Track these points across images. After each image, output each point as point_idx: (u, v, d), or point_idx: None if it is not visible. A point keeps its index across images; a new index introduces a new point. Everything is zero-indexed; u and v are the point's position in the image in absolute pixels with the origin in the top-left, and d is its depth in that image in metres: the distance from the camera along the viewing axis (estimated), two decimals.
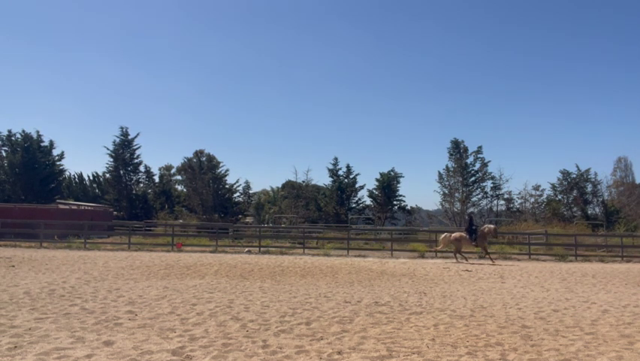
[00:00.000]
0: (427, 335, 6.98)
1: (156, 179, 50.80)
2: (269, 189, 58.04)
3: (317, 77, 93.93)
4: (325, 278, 13.67)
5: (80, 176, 52.64)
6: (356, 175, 45.99)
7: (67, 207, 36.22)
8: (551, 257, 23.53)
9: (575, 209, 43.28)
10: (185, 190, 51.20)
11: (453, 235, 20.95)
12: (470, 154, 44.90)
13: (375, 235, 32.58)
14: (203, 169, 45.58)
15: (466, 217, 23.17)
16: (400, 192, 45.78)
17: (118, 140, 45.57)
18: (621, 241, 26.04)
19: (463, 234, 20.54)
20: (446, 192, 45.27)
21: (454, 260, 20.26)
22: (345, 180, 45.75)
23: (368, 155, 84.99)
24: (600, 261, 22.54)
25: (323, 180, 60.47)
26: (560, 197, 44.35)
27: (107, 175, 46.97)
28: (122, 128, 45.67)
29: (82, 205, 38.78)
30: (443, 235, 21.57)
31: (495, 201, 46.31)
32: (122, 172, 45.50)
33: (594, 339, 6.91)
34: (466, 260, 20.14)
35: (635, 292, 11.86)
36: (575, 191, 43.37)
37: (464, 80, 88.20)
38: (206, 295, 10.02)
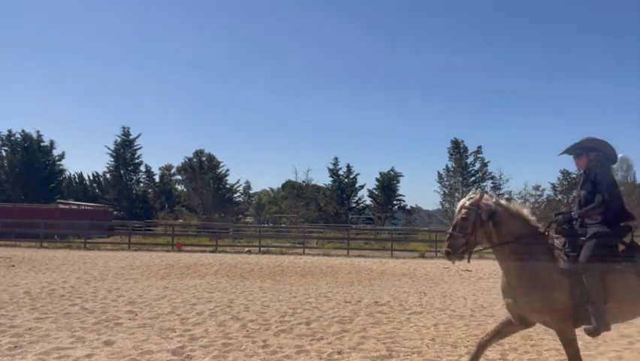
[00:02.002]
0: (427, 335, 6.99)
1: (156, 179, 50.85)
2: (269, 189, 58.13)
3: (317, 76, 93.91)
4: (325, 278, 13.67)
5: (80, 176, 52.60)
6: (356, 175, 46.06)
7: (67, 207, 36.21)
8: None
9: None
10: (185, 190, 51.23)
11: None
12: (470, 154, 44.91)
13: (375, 235, 32.57)
14: (203, 169, 45.62)
15: None
16: (399, 192, 45.85)
17: (119, 140, 45.63)
18: None
19: None
20: (446, 192, 45.27)
21: None
22: (346, 180, 45.77)
23: (368, 154, 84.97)
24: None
25: (323, 180, 60.53)
26: (560, 197, 44.36)
27: (108, 175, 47.01)
28: (123, 128, 45.76)
29: (82, 205, 38.76)
30: None
31: None
32: (122, 172, 45.50)
33: (594, 339, 6.90)
34: None
35: None
36: (575, 191, 43.37)
37: (464, 79, 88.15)
38: (206, 295, 10.02)
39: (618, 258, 4.43)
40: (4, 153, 43.95)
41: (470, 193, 4.81)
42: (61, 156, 45.07)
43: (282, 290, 11.06)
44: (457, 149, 45.08)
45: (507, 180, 47.39)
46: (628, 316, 4.60)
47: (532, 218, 4.73)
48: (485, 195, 4.76)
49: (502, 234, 4.61)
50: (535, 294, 4.43)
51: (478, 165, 44.78)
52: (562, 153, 4.97)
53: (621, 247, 4.51)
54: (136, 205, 44.58)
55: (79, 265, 15.33)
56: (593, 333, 4.36)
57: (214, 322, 7.48)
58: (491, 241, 4.66)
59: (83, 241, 24.50)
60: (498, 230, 4.62)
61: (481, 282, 13.47)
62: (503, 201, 4.82)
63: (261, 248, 24.30)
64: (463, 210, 4.66)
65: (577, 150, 4.89)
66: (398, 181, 45.61)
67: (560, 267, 4.43)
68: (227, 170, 46.38)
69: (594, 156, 4.79)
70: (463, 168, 44.48)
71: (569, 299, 4.38)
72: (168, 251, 22.72)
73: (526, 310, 4.59)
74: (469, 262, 4.80)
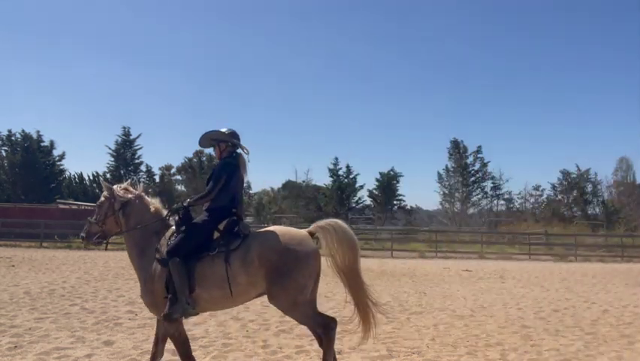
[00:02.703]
0: (427, 335, 6.99)
1: (156, 179, 50.85)
2: (269, 189, 58.04)
3: (318, 76, 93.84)
4: (325, 278, 13.57)
5: (80, 176, 52.46)
6: (356, 175, 45.99)
7: (67, 207, 36.20)
8: (551, 257, 23.54)
9: (575, 209, 43.29)
10: (185, 190, 51.18)
11: None
12: (470, 154, 44.93)
13: (376, 235, 32.57)
14: (203, 169, 45.62)
15: None
16: (399, 192, 45.79)
17: (119, 140, 45.64)
18: (621, 241, 26.09)
19: None
20: (446, 192, 45.30)
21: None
22: (345, 180, 45.73)
23: (368, 154, 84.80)
24: (600, 261, 22.55)
25: (323, 180, 60.47)
26: (560, 197, 44.39)
27: (108, 175, 47.01)
28: (123, 128, 45.76)
29: (82, 205, 38.73)
30: None
31: (495, 201, 46.36)
32: (122, 172, 45.54)
33: (594, 339, 6.91)
34: None
35: (635, 292, 11.87)
36: (575, 191, 43.39)
37: (464, 79, 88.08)
38: None
39: (211, 245, 4.48)
40: (4, 153, 43.93)
41: (124, 184, 4.93)
42: (62, 156, 45.07)
43: None
44: (457, 149, 45.10)
45: (507, 180, 47.58)
46: (220, 300, 4.55)
47: (164, 212, 4.83)
48: (124, 186, 4.90)
49: (131, 225, 4.73)
50: (145, 288, 4.53)
51: (478, 165, 44.83)
52: (200, 144, 5.07)
53: (216, 235, 4.56)
54: None
55: (79, 265, 15.32)
56: (166, 318, 4.37)
57: (214, 322, 7.48)
58: (121, 230, 4.80)
59: None
60: (127, 220, 4.75)
61: (481, 282, 13.46)
62: (142, 193, 4.92)
63: None
64: (101, 199, 4.83)
65: (208, 142, 4.97)
66: (398, 181, 45.55)
67: (158, 258, 4.49)
68: None
69: (224, 147, 4.89)
70: (463, 168, 44.50)
71: (164, 289, 4.44)
72: None
73: (145, 304, 4.70)
74: (106, 249, 4.97)
